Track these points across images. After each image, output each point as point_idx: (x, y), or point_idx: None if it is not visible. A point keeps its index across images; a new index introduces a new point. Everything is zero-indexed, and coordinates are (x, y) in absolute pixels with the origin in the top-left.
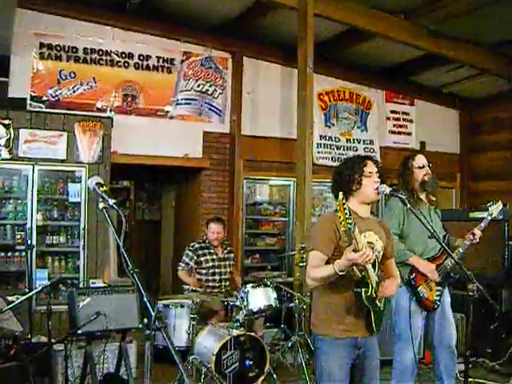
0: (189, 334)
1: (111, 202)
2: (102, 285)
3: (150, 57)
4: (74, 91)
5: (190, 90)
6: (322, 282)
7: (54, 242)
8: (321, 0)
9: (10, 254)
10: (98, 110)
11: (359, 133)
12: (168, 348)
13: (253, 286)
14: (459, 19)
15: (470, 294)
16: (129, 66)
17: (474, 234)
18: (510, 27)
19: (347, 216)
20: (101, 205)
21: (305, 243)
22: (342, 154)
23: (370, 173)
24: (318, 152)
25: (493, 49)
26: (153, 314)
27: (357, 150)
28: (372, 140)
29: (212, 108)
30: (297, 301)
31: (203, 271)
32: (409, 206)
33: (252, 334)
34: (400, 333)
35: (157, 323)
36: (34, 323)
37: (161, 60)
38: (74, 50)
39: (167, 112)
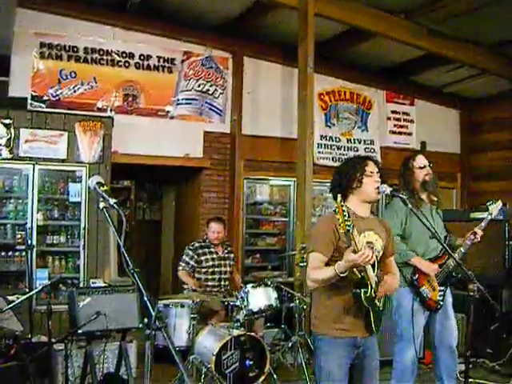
0: (189, 333)
1: (112, 201)
2: (103, 284)
3: (151, 56)
4: (75, 91)
5: (190, 90)
6: (322, 283)
7: (55, 241)
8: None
9: (10, 253)
10: (99, 109)
11: (360, 133)
12: (168, 348)
13: (253, 286)
14: (459, 19)
15: (471, 294)
16: (129, 66)
17: (475, 234)
18: (510, 27)
19: (346, 218)
20: (101, 204)
21: (305, 243)
22: (343, 154)
23: (371, 172)
24: (319, 152)
25: (493, 49)
26: (153, 313)
27: (357, 150)
28: (372, 140)
29: (212, 108)
30: (297, 301)
31: (203, 270)
32: (409, 205)
33: (252, 334)
34: (401, 333)
35: (157, 323)
36: (35, 323)
37: (161, 60)
38: (75, 49)
39: (168, 112)
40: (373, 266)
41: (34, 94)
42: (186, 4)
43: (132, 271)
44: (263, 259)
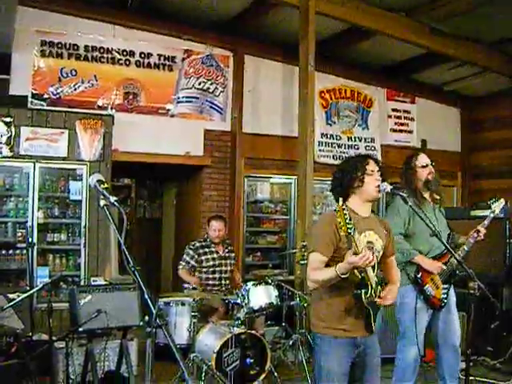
0: (190, 331)
1: (112, 199)
2: (103, 282)
3: (152, 55)
4: (75, 89)
5: (191, 88)
6: (323, 284)
7: (55, 239)
8: None
9: (10, 251)
10: (99, 107)
11: (360, 131)
12: (169, 346)
13: (254, 284)
14: (460, 17)
15: (472, 292)
16: (130, 64)
17: (478, 232)
18: (511, 25)
19: (347, 221)
20: (102, 202)
21: (306, 241)
22: (343, 152)
23: (372, 171)
24: (320, 150)
25: (494, 47)
26: (154, 311)
27: (358, 148)
28: (373, 138)
29: (213, 106)
30: (298, 299)
31: (204, 269)
32: (410, 203)
33: (253, 332)
34: (404, 331)
35: (158, 321)
36: (35, 321)
37: (162, 58)
38: (75, 47)
39: (168, 110)
40: (373, 266)
41: (34, 92)
42: (187, 2)
43: (133, 269)
44: (264, 257)
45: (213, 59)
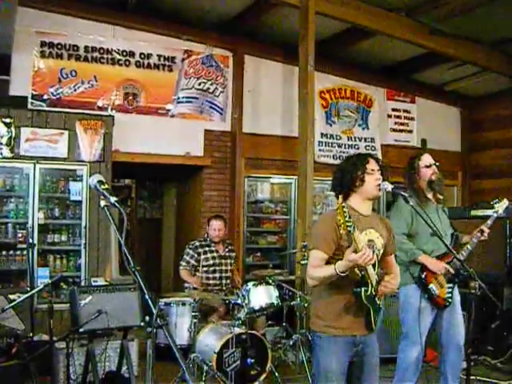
0: (190, 332)
1: (113, 199)
2: (104, 283)
3: (151, 55)
4: (75, 90)
5: (191, 89)
6: (322, 281)
7: (56, 240)
8: None
9: (11, 252)
10: (99, 108)
11: (360, 131)
12: (169, 346)
13: (254, 284)
14: (460, 17)
15: (472, 291)
16: (130, 65)
17: (482, 232)
18: (511, 25)
19: (347, 219)
20: (102, 203)
21: (306, 241)
22: (344, 152)
23: (373, 170)
24: (320, 150)
25: (494, 47)
26: (155, 311)
27: (358, 148)
28: (373, 138)
29: (213, 106)
30: (298, 299)
31: (204, 269)
32: (411, 203)
33: (253, 332)
34: (407, 330)
35: (158, 321)
36: (36, 321)
37: (162, 58)
38: (75, 48)
39: (168, 110)
40: (373, 264)
41: (34, 92)
42: (187, 2)
43: (133, 269)
44: (264, 257)
45: (213, 59)
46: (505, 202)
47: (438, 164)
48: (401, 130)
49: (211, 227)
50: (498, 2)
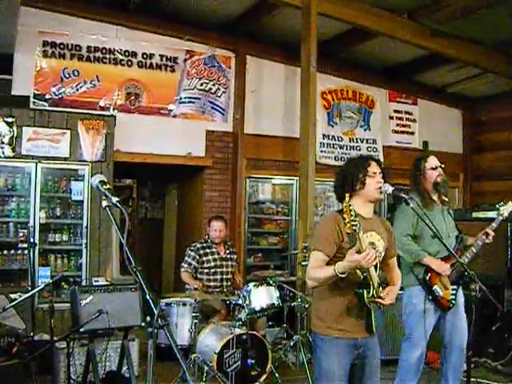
0: (191, 332)
1: (114, 200)
2: (105, 283)
3: (154, 55)
4: (77, 89)
5: (193, 89)
6: (321, 283)
7: (57, 239)
8: None
9: (12, 251)
10: (101, 108)
11: (362, 132)
12: (170, 346)
13: (255, 285)
14: (462, 19)
15: (473, 293)
16: (132, 65)
17: (487, 234)
18: None
19: (353, 218)
20: (104, 203)
21: (307, 242)
22: (345, 154)
23: (374, 173)
24: (321, 151)
25: (495, 48)
26: (156, 312)
27: (360, 150)
28: (375, 139)
29: (215, 107)
30: (299, 300)
31: (205, 271)
32: (411, 205)
33: (254, 332)
34: (410, 331)
35: (160, 321)
36: (37, 321)
37: (164, 59)
38: (78, 48)
39: (170, 111)
40: (375, 266)
41: (36, 92)
42: (189, 3)
43: (135, 270)
44: (265, 258)
45: (215, 60)
46: (510, 205)
47: (443, 166)
48: (402, 132)
49: (212, 228)
50: (500, 4)
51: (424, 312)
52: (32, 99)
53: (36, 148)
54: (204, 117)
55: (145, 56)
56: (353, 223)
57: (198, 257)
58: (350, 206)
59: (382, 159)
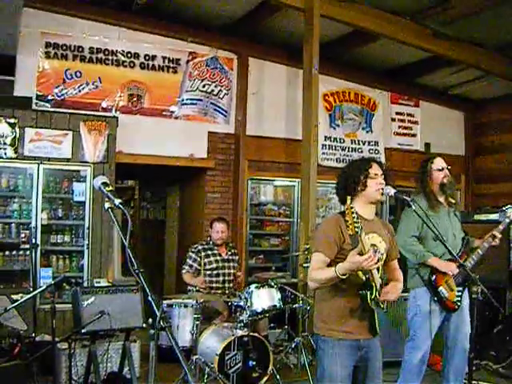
0: (192, 333)
1: (117, 201)
2: (106, 284)
3: (156, 57)
4: (80, 91)
5: (195, 91)
6: (322, 284)
7: (59, 240)
8: (327, 1)
9: (14, 252)
10: (104, 109)
11: (364, 134)
12: (171, 348)
13: (257, 287)
14: (464, 21)
15: (474, 296)
16: (134, 66)
17: (494, 237)
18: None
19: (355, 220)
20: (107, 205)
21: (309, 244)
22: (347, 155)
23: (375, 174)
24: (323, 153)
25: (497, 50)
26: (158, 313)
27: (361, 152)
28: (377, 141)
29: (217, 108)
30: (301, 302)
31: (207, 272)
32: (413, 207)
33: (256, 334)
34: (415, 332)
35: (162, 323)
36: (38, 322)
37: (166, 60)
38: (80, 49)
39: (172, 112)
40: (377, 268)
41: (39, 93)
42: (192, 4)
43: (137, 271)
44: (267, 260)
45: (217, 62)
46: None
47: (449, 168)
48: (404, 134)
49: (214, 229)
50: (502, 7)
51: (429, 313)
52: (34, 100)
53: (38, 149)
54: (206, 118)
55: (147, 57)
56: (355, 225)
57: (199, 258)
58: (351, 208)
59: (383, 161)
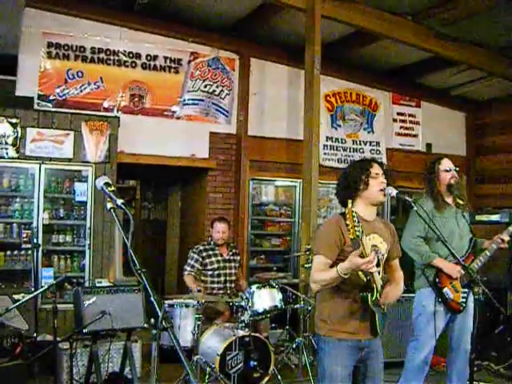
0: (194, 334)
1: (119, 202)
2: (108, 284)
3: (158, 57)
4: (81, 91)
5: (196, 91)
6: (325, 285)
7: (60, 240)
8: (329, 1)
9: (16, 252)
10: (105, 109)
11: (365, 134)
12: (173, 348)
13: (258, 287)
14: (466, 21)
15: (476, 297)
16: (136, 66)
17: (502, 240)
18: None
19: (356, 224)
20: (109, 205)
21: (310, 244)
22: (348, 156)
23: (377, 174)
24: (325, 153)
25: (499, 51)
26: (160, 314)
27: (363, 152)
28: (378, 142)
29: (219, 108)
30: (302, 302)
31: (209, 273)
32: (415, 208)
33: (257, 334)
34: (418, 333)
35: (164, 323)
36: (40, 322)
37: (168, 60)
38: (82, 49)
39: (174, 112)
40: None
41: (40, 93)
42: (193, 5)
43: (139, 271)
44: (268, 260)
45: (219, 62)
46: None
47: (457, 169)
48: (406, 135)
49: (215, 229)
50: (503, 7)
51: (434, 314)
52: (36, 100)
53: (40, 149)
54: (207, 119)
55: (149, 57)
56: (356, 229)
57: (201, 259)
58: (352, 211)
59: (385, 162)
